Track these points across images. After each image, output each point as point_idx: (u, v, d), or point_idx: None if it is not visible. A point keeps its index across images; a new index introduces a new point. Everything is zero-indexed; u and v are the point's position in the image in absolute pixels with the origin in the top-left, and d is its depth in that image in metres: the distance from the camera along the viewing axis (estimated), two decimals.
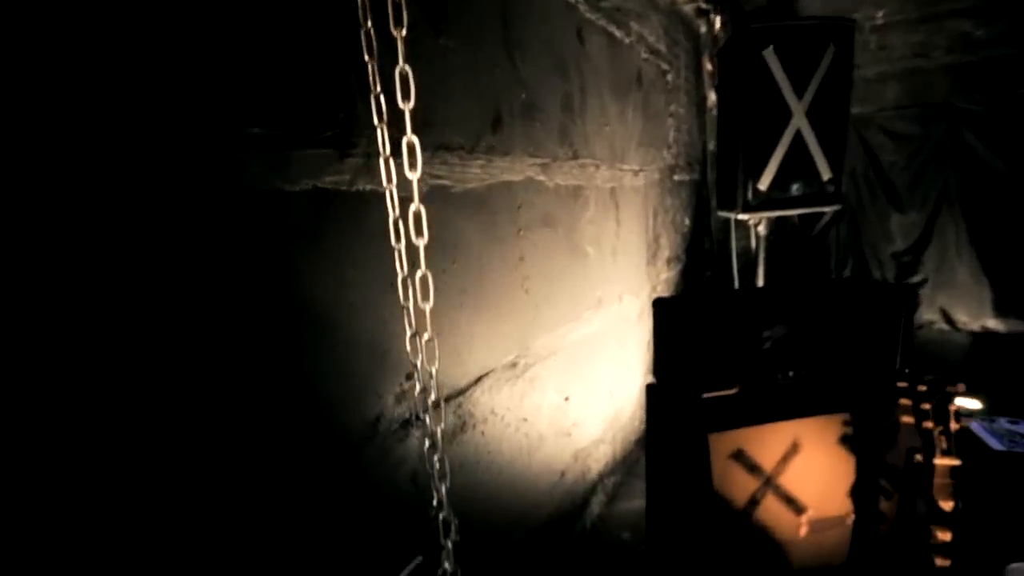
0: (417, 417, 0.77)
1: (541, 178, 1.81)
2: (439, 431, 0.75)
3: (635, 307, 2.83)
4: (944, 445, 1.05)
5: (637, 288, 2.84)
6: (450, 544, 0.73)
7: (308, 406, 1.01)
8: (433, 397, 0.74)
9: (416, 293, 0.70)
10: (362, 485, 1.14)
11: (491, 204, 1.55)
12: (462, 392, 1.44)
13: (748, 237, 3.55)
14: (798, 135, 2.52)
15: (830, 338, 1.58)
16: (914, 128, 3.52)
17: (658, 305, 1.69)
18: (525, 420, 1.79)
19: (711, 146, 4.03)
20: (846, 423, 1.56)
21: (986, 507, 1.83)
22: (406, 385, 1.21)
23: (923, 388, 1.05)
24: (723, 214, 2.88)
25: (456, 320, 1.40)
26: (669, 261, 3.36)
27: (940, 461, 1.04)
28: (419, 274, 0.70)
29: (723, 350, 1.56)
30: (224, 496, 0.87)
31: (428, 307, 0.71)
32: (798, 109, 2.51)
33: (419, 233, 0.70)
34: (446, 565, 0.72)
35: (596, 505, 2.43)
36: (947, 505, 1.04)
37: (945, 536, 1.04)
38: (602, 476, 2.50)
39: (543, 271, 1.84)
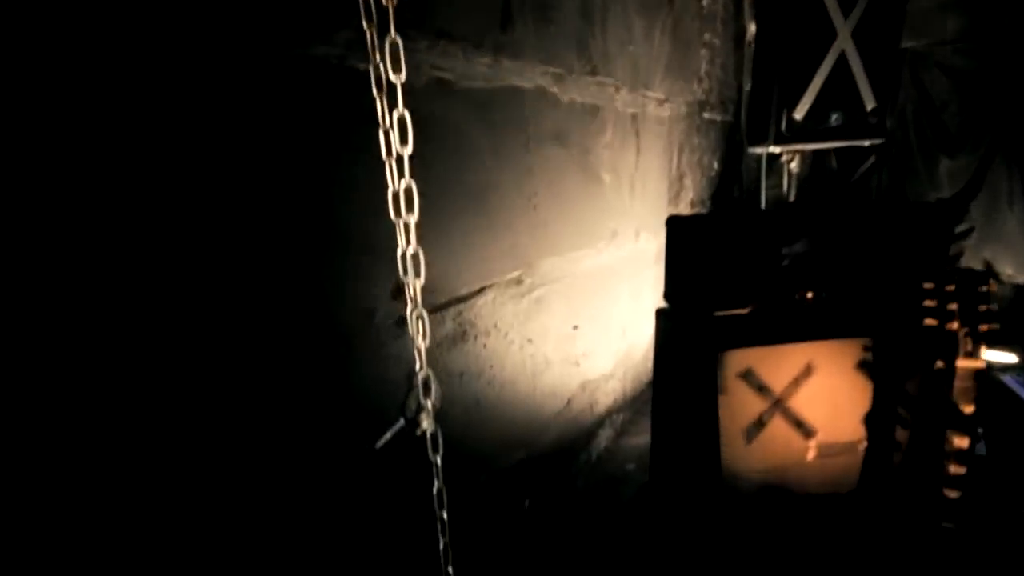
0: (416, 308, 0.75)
1: (554, 90, 1.72)
2: (418, 287, 0.73)
3: (653, 247, 2.75)
4: (968, 347, 0.98)
5: (656, 227, 2.74)
6: (429, 404, 0.72)
7: (298, 288, 1.01)
8: (412, 251, 0.71)
9: (395, 137, 0.67)
10: (353, 375, 1.14)
11: (498, 108, 1.48)
12: (462, 300, 1.43)
13: (781, 185, 3.37)
14: (842, 59, 2.34)
15: (855, 258, 1.50)
16: (972, 64, 3.23)
17: (671, 223, 1.63)
18: (530, 341, 1.77)
19: (747, 86, 3.80)
20: (866, 348, 1.50)
21: (1018, 459, 1.75)
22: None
23: (951, 288, 0.97)
24: (754, 150, 2.72)
25: (456, 223, 1.37)
26: (693, 204, 3.24)
27: (963, 363, 0.98)
28: (396, 115, 0.66)
29: (738, 268, 1.49)
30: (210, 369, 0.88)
31: (407, 152, 0.67)
32: (844, 30, 2.31)
33: (396, 70, 0.65)
34: (424, 424, 0.72)
35: (604, 439, 2.44)
36: (968, 408, 0.98)
37: (962, 443, 0.99)
38: (610, 411, 2.50)
39: (553, 190, 1.78)
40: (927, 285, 0.98)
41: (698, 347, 1.47)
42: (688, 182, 3.12)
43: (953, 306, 0.95)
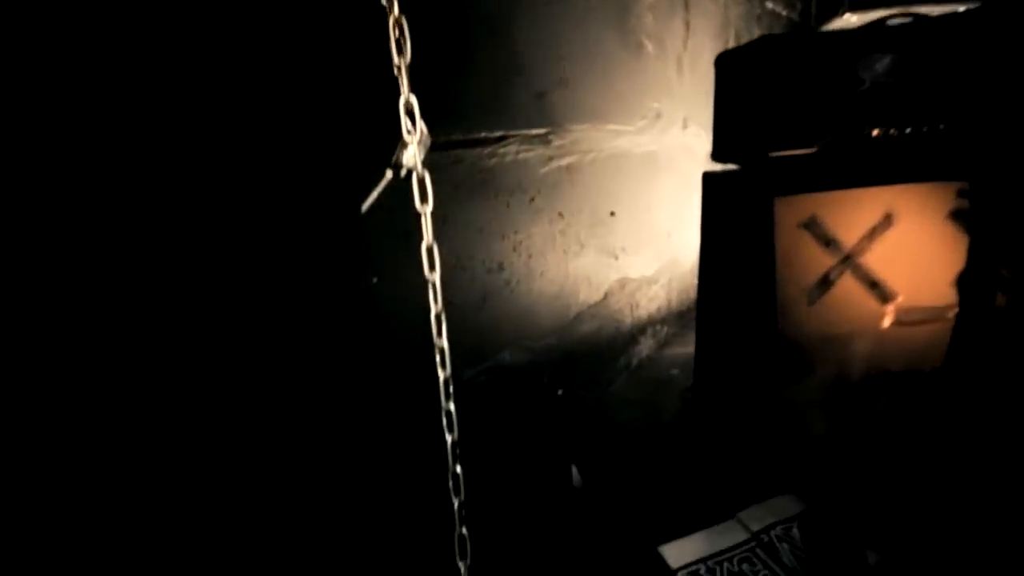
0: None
1: None
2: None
3: (704, 146, 2.51)
4: None
5: (708, 123, 2.50)
6: (415, 140, 0.61)
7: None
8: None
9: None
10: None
11: None
12: (481, 143, 1.31)
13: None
14: None
15: (954, 81, 1.25)
16: None
17: (723, 60, 1.43)
18: (561, 216, 1.64)
19: None
20: (961, 194, 1.27)
21: None
22: None
23: None
24: (828, 28, 2.40)
25: (467, 46, 1.23)
26: None
27: None
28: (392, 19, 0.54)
29: (803, 100, 1.29)
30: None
31: (405, 62, 0.56)
32: None
33: None
34: (407, 161, 0.61)
35: (645, 348, 2.30)
36: None
37: None
38: (653, 320, 2.34)
39: (585, 45, 1.61)
40: None
41: (751, 193, 1.29)
42: None
43: None
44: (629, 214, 2.01)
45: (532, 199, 1.51)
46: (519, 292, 1.51)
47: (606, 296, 1.96)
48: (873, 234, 1.29)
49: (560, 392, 1.72)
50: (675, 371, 2.16)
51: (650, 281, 2.27)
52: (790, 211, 1.27)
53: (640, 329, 2.24)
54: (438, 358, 0.68)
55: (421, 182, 0.64)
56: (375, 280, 1.08)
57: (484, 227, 1.36)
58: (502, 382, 1.46)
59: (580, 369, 1.83)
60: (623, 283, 2.06)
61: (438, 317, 0.66)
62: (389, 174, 0.65)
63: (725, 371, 1.56)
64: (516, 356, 1.53)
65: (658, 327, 2.39)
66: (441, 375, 0.68)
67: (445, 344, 0.67)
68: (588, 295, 1.85)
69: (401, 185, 0.67)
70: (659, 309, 2.37)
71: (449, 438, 0.70)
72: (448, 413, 0.69)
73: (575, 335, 1.79)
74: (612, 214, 1.91)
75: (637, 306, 2.19)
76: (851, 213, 1.29)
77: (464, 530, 0.65)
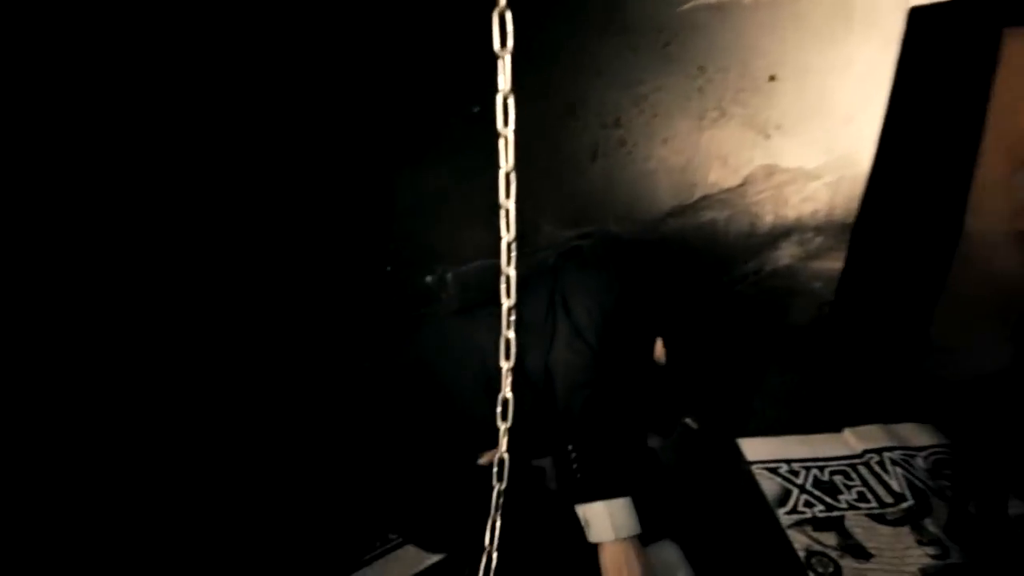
0: None
1: None
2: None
3: None
4: None
5: None
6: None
7: None
8: None
9: None
10: None
11: None
12: None
13: None
14: None
15: None
16: None
17: None
18: (701, 69, 1.41)
19: None
20: None
21: None
22: None
23: None
24: None
25: None
26: None
27: None
28: None
29: None
30: None
31: None
32: None
33: None
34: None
35: (786, 255, 2.02)
36: None
37: None
38: (803, 225, 2.02)
39: None
40: None
41: (971, 26, 0.97)
42: None
43: None
44: (796, 82, 1.66)
45: (667, 44, 1.31)
46: (636, 156, 1.38)
47: (744, 183, 1.71)
48: None
49: (669, 278, 1.60)
50: (817, 284, 1.88)
51: (809, 176, 1.92)
52: (1022, 51, 0.94)
53: (784, 232, 1.94)
54: (503, 220, 0.58)
55: None
56: (476, 110, 1.04)
57: (603, 70, 1.22)
58: (603, 251, 1.39)
59: (697, 260, 1.67)
60: (770, 171, 1.77)
61: (507, 176, 0.56)
62: None
63: (881, 275, 1.31)
64: (623, 227, 1.43)
65: (809, 235, 2.06)
66: (505, 238, 0.59)
67: (512, 206, 0.56)
68: (721, 177, 1.63)
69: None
70: (814, 213, 2.02)
71: (506, 304, 0.61)
72: (507, 278, 0.60)
73: (696, 220, 1.62)
74: (772, 79, 1.60)
75: (784, 203, 1.89)
76: None
77: (511, 333, 0.63)
